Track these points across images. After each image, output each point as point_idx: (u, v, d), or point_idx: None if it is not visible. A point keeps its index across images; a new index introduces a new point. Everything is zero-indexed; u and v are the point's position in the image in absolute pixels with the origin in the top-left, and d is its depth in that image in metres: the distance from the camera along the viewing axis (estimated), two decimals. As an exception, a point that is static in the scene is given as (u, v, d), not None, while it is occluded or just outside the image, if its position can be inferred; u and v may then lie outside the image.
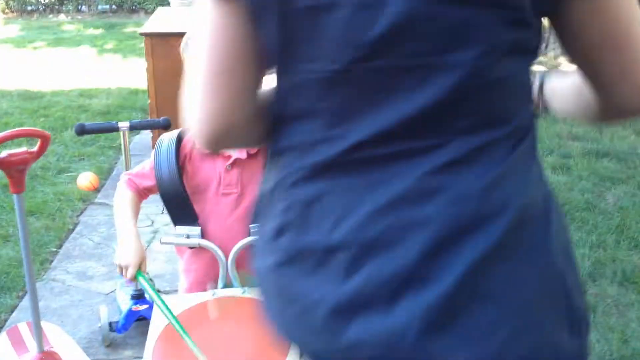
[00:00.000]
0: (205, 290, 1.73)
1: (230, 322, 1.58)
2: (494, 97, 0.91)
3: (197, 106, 0.97)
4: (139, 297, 2.83)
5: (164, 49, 4.23)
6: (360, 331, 0.88)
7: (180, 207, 1.73)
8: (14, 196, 2.33)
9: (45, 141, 2.34)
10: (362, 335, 0.88)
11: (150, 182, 1.76)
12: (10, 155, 2.27)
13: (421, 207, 0.87)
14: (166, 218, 4.01)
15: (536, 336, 0.88)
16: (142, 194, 1.79)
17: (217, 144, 1.01)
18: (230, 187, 1.72)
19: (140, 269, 1.64)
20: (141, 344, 2.80)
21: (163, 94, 4.28)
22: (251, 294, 1.61)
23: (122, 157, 5.07)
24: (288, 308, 0.97)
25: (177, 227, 1.74)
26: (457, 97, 0.88)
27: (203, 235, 1.72)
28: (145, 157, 4.86)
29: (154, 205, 4.21)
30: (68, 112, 6.29)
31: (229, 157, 1.71)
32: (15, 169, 2.29)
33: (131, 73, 8.24)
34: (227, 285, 1.71)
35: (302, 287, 0.94)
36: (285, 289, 0.97)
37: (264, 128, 1.00)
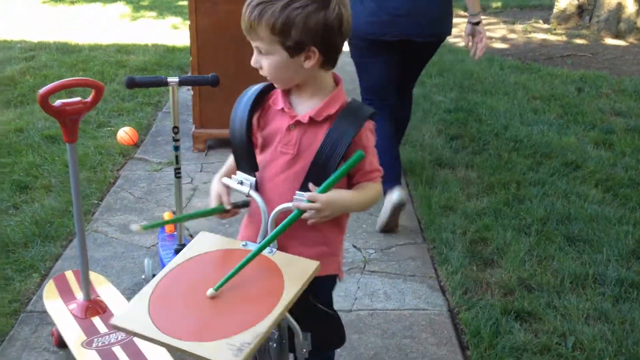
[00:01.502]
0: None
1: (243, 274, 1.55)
2: None
3: None
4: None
5: (208, 7, 4.20)
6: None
7: (243, 154, 1.73)
8: (67, 145, 2.34)
9: (99, 91, 2.35)
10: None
11: None
12: (65, 104, 2.27)
13: None
14: (205, 176, 4.06)
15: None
16: None
17: None
18: (287, 147, 1.70)
19: (221, 201, 1.73)
20: (183, 298, 2.84)
21: (205, 51, 4.26)
22: (277, 258, 1.60)
23: (159, 113, 5.09)
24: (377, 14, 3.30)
25: (238, 172, 1.75)
26: None
27: (258, 186, 1.73)
28: (184, 114, 4.88)
29: (193, 163, 4.25)
30: (106, 67, 6.30)
31: (295, 116, 1.70)
32: (70, 118, 2.29)
33: (167, 30, 8.24)
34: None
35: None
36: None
37: None
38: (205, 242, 1.68)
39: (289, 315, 1.62)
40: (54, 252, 3.13)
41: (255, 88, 1.76)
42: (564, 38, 8.21)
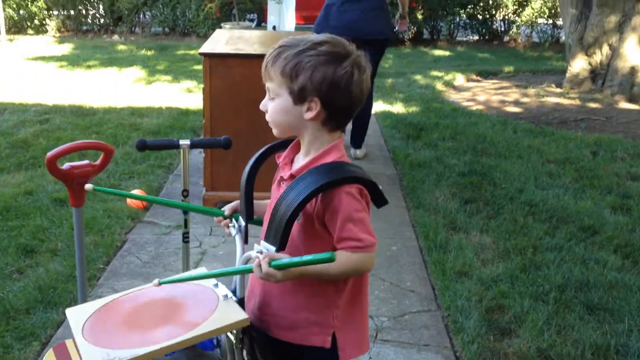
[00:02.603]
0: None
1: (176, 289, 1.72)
2: None
3: None
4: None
5: (222, 70, 4.22)
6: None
7: (242, 199, 1.81)
8: (73, 210, 2.30)
9: (109, 154, 2.32)
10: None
11: None
12: (73, 167, 2.25)
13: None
14: (214, 240, 3.99)
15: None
16: None
17: None
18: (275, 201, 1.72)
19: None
20: (188, 369, 2.74)
21: (218, 114, 4.26)
22: (226, 303, 1.64)
23: (170, 175, 5.07)
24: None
25: (236, 215, 1.85)
26: None
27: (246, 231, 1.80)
28: (195, 177, 4.85)
29: (202, 226, 4.19)
30: (119, 129, 6.33)
31: (286, 172, 1.71)
32: (77, 182, 2.26)
33: (181, 94, 8.32)
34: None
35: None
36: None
37: None
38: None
39: None
40: (56, 319, 3.04)
41: (275, 142, 1.82)
42: (578, 102, 8.20)
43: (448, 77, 9.89)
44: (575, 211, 4.48)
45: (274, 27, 12.51)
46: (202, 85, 4.34)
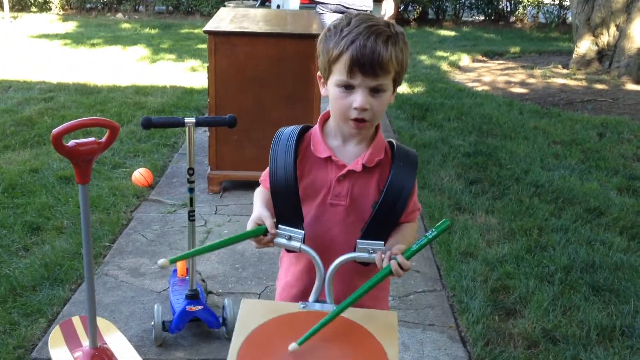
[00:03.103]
0: (294, 294, 1.70)
1: (316, 340, 1.41)
2: None
3: None
4: (193, 297, 2.77)
5: (227, 48, 4.18)
6: None
7: (289, 206, 1.59)
8: (79, 187, 2.28)
9: (114, 132, 2.29)
10: None
11: None
12: (79, 144, 2.22)
13: None
14: (220, 219, 3.97)
15: None
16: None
17: None
18: (338, 199, 1.60)
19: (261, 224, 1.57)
20: (193, 345, 2.75)
21: (223, 92, 4.23)
22: (351, 314, 1.49)
23: (175, 154, 5.06)
24: None
25: (280, 225, 1.59)
26: None
27: (305, 240, 1.58)
28: (199, 156, 4.83)
29: (207, 205, 4.18)
30: (124, 108, 6.31)
31: (344, 166, 1.60)
32: (83, 159, 2.24)
33: (186, 73, 8.28)
34: (319, 300, 1.57)
35: None
36: None
37: None
38: (257, 311, 1.50)
39: None
40: (62, 296, 3.05)
41: (292, 132, 1.63)
42: (584, 83, 8.15)
43: (453, 58, 9.82)
44: (581, 192, 4.46)
45: (277, 6, 12.42)
46: (206, 64, 4.31)
